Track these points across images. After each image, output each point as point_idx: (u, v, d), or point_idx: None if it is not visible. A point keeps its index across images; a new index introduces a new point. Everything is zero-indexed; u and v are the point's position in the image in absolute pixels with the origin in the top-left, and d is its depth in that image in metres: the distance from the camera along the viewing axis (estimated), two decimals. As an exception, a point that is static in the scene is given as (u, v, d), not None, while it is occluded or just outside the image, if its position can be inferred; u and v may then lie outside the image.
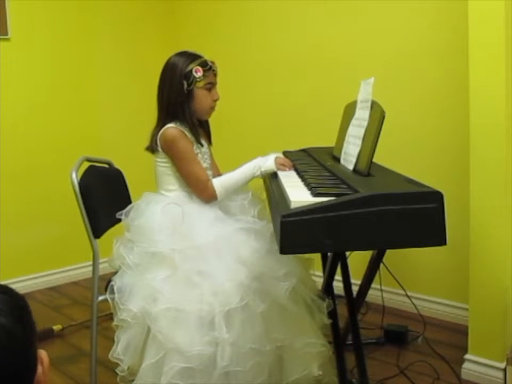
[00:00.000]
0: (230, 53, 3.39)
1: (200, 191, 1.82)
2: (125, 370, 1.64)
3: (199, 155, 1.88)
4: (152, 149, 1.88)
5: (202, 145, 1.90)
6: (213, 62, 1.90)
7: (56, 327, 2.60)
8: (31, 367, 0.70)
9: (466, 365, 2.08)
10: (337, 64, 2.89)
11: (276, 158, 1.86)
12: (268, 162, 1.84)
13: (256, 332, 1.59)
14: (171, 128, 1.83)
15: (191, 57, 1.87)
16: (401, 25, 2.63)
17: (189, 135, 1.85)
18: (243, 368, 1.56)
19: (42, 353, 0.74)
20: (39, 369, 0.72)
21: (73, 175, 1.86)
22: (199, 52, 1.91)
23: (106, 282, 1.74)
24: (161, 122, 1.87)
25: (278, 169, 1.82)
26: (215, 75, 1.91)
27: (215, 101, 1.91)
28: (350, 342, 2.00)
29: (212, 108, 1.92)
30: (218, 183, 1.83)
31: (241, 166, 1.87)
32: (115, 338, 1.66)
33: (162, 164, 1.87)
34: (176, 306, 1.58)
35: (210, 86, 1.88)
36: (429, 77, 2.56)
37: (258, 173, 1.84)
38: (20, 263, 3.14)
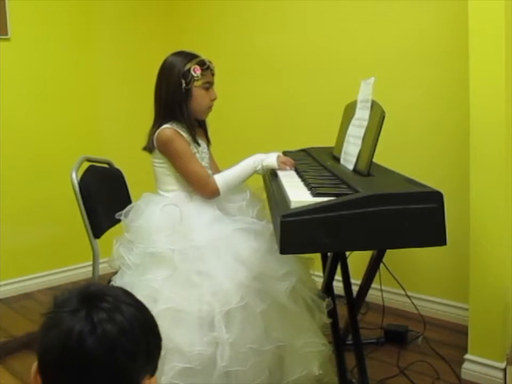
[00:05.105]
0: (229, 53, 3.39)
1: (202, 187, 1.81)
2: (125, 371, 1.64)
3: (197, 154, 1.87)
4: (149, 148, 1.87)
5: (199, 144, 1.90)
6: (210, 62, 1.89)
7: (56, 327, 2.60)
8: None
9: (466, 365, 2.08)
10: (337, 64, 2.88)
11: (279, 156, 1.86)
12: (269, 158, 1.84)
13: (256, 331, 1.59)
14: (166, 129, 1.81)
15: (189, 56, 1.86)
16: (401, 25, 2.62)
17: (185, 135, 1.84)
18: (243, 368, 1.56)
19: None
20: None
21: (73, 175, 1.86)
22: (196, 52, 1.90)
23: (106, 283, 1.74)
24: (158, 122, 1.86)
25: (279, 166, 1.82)
26: (212, 74, 1.90)
27: (213, 100, 1.90)
28: (350, 342, 2.00)
29: (210, 108, 1.92)
30: (219, 178, 1.82)
31: (242, 161, 1.87)
32: (115, 339, 1.65)
33: (159, 165, 1.86)
34: (176, 307, 1.58)
35: (208, 86, 1.87)
36: (429, 77, 2.55)
37: (260, 167, 1.83)
38: (20, 263, 3.13)
